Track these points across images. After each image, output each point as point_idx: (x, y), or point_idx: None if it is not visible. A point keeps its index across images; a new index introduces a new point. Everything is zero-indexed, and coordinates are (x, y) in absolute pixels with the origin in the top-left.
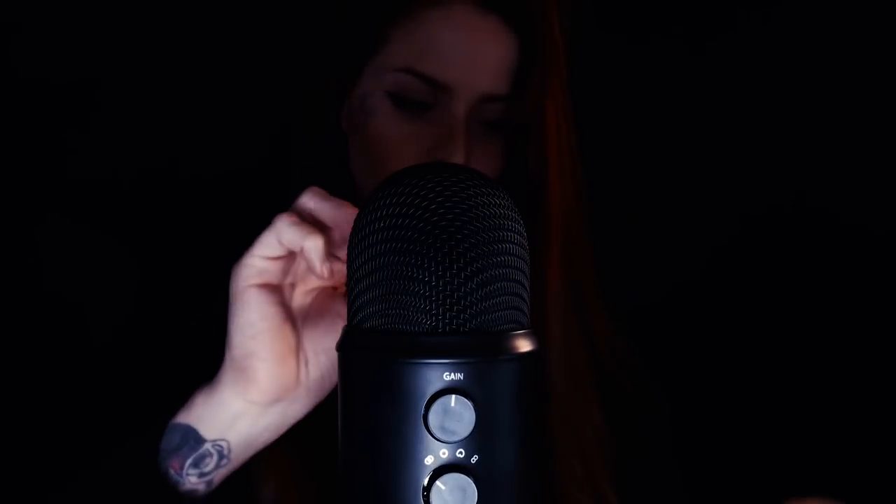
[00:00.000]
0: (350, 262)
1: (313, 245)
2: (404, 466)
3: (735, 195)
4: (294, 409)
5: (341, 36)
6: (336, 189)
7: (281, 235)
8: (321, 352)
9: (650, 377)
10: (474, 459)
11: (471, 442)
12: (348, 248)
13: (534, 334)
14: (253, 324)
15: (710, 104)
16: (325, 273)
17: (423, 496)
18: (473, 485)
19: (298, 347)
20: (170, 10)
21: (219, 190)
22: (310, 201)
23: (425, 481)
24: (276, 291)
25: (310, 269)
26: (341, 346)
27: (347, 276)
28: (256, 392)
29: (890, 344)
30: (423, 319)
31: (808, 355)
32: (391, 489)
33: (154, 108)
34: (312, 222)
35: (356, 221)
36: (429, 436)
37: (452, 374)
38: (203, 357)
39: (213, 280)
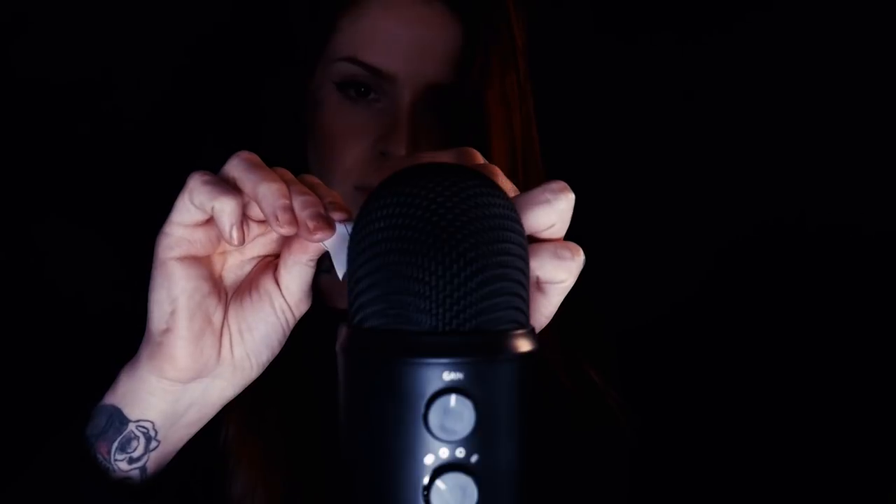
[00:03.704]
0: (350, 262)
1: (222, 207)
2: (404, 466)
3: (731, 205)
4: (218, 387)
5: (295, 28)
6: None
7: (192, 197)
8: (246, 329)
9: (643, 396)
10: (474, 459)
11: (471, 441)
12: (348, 248)
13: (534, 334)
14: (172, 299)
15: (707, 110)
16: (235, 239)
17: (423, 495)
18: (473, 484)
19: (223, 324)
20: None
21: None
22: (233, 170)
23: (425, 480)
24: (202, 263)
25: (220, 234)
26: (341, 346)
27: (347, 275)
28: (172, 370)
29: (888, 361)
30: (423, 319)
31: (805, 363)
32: (391, 488)
33: (152, 105)
34: (231, 183)
35: (356, 221)
36: (429, 435)
37: (452, 373)
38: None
39: None
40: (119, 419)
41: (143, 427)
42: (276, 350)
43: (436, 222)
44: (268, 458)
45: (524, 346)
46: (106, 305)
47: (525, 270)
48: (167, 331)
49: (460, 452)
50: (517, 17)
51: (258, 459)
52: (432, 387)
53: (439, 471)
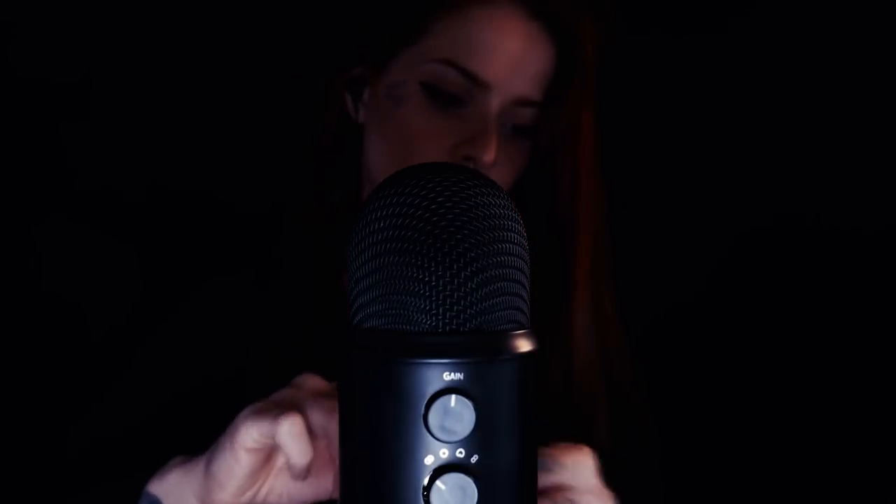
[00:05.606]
0: (350, 262)
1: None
2: (404, 466)
3: (736, 205)
4: None
5: (380, 24)
6: (345, 177)
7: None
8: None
9: (649, 395)
10: (474, 459)
11: (471, 442)
12: (348, 248)
13: (534, 334)
14: (237, 475)
15: (710, 110)
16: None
17: (423, 496)
18: (473, 484)
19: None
20: (175, 6)
21: (216, 189)
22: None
23: (425, 481)
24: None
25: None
26: (341, 346)
27: (347, 275)
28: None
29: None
30: (423, 319)
31: (808, 362)
32: (391, 489)
33: (153, 105)
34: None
35: (357, 221)
36: (429, 435)
37: (452, 373)
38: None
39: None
40: None
41: None
42: None
43: (435, 222)
44: None
45: (524, 346)
46: (106, 307)
47: (525, 270)
48: (223, 489)
49: (460, 453)
50: (596, 49)
51: None
52: (432, 387)
53: (439, 471)
